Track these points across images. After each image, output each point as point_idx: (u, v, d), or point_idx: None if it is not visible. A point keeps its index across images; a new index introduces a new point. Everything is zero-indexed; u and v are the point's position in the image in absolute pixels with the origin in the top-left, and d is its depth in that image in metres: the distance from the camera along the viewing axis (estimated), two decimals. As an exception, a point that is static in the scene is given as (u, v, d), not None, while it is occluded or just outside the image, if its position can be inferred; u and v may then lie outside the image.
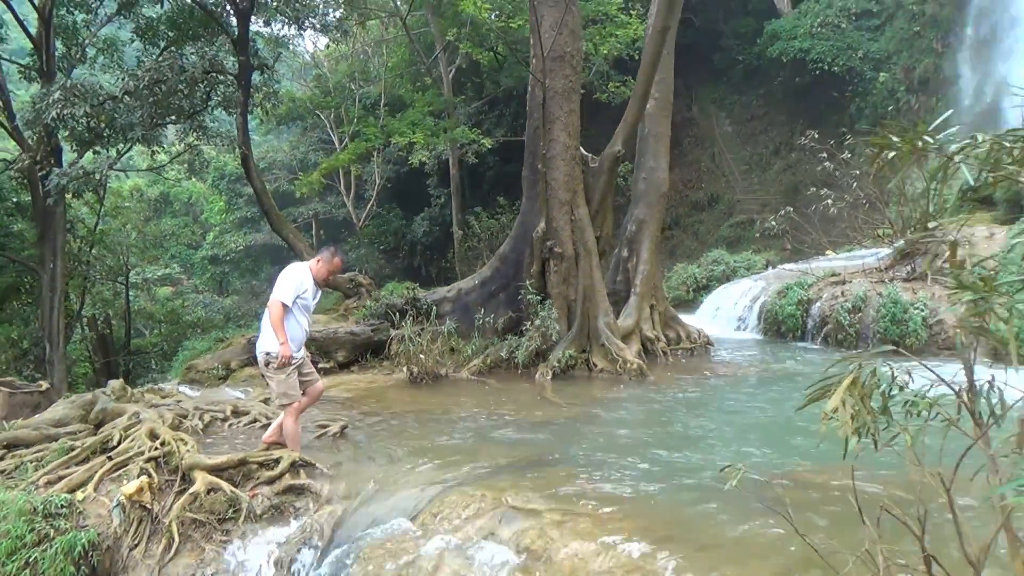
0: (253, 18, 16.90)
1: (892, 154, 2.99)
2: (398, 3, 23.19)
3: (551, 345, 9.38)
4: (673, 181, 25.14)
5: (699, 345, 10.62)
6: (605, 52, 20.64)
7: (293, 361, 5.76)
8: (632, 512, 4.61)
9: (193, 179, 30.59)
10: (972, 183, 2.84)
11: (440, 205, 25.59)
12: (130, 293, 23.24)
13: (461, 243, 21.38)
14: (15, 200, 18.36)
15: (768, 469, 5.20)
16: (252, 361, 9.64)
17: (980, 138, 2.56)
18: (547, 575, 4.13)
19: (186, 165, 28.03)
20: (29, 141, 15.97)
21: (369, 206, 25.62)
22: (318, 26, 18.26)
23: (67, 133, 16.08)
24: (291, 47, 25.95)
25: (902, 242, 10.72)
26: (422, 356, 8.95)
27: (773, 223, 11.80)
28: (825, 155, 11.42)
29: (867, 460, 2.79)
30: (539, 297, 9.71)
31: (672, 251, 22.12)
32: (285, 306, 5.63)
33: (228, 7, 13.82)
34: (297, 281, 5.71)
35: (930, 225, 10.52)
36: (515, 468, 5.80)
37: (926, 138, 2.82)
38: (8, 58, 17.40)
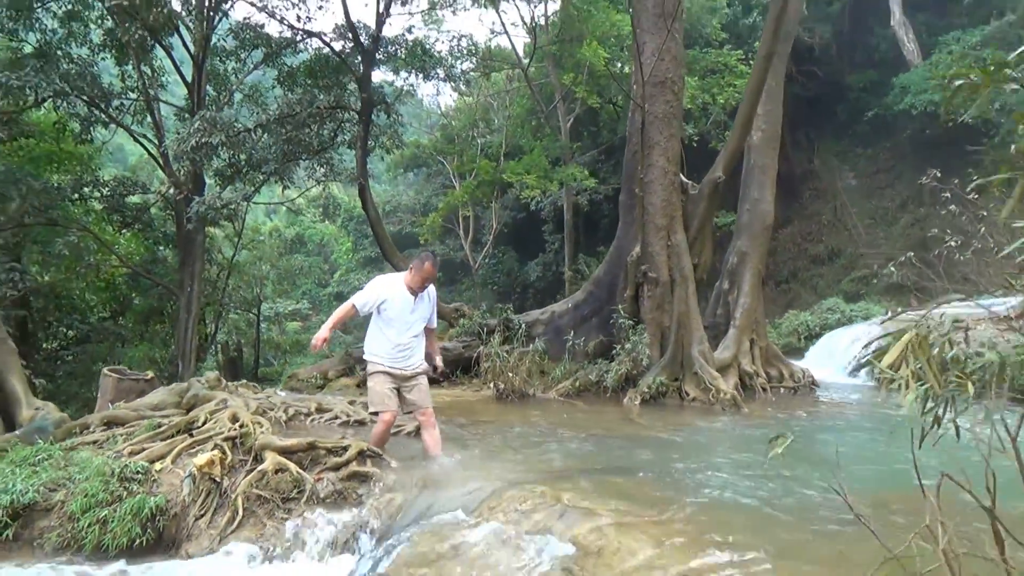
0: (383, 68, 17.99)
1: (960, 82, 2.77)
2: (521, 55, 23.96)
3: (642, 371, 9.13)
4: (792, 234, 24.48)
5: (803, 385, 10.05)
6: (723, 102, 20.43)
7: (375, 366, 5.77)
8: (694, 519, 4.48)
9: (326, 221, 32.42)
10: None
11: (554, 251, 25.81)
12: (262, 325, 24.58)
13: (571, 286, 21.42)
14: (163, 231, 19.99)
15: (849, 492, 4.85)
16: (348, 372, 9.96)
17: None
18: (595, 568, 4.01)
19: (321, 208, 29.89)
20: (179, 176, 17.37)
21: (485, 249, 26.21)
22: (442, 75, 19.17)
23: (211, 171, 17.53)
24: (418, 98, 27.32)
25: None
26: (510, 374, 8.94)
27: (892, 269, 11.09)
28: (948, 195, 10.69)
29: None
30: (631, 322, 9.52)
31: (789, 304, 21.19)
32: (356, 308, 5.65)
33: (356, 48, 14.70)
34: (376, 292, 5.69)
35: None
36: (582, 473, 5.73)
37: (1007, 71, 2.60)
38: (165, 100, 19.12)
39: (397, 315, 5.71)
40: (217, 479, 5.53)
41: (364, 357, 5.85)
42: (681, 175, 9.95)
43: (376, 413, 5.92)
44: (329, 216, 32.35)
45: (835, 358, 12.25)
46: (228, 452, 5.81)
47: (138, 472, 5.45)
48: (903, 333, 2.95)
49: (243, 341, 24.23)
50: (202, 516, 5.36)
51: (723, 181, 9.64)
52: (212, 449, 5.73)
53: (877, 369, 2.82)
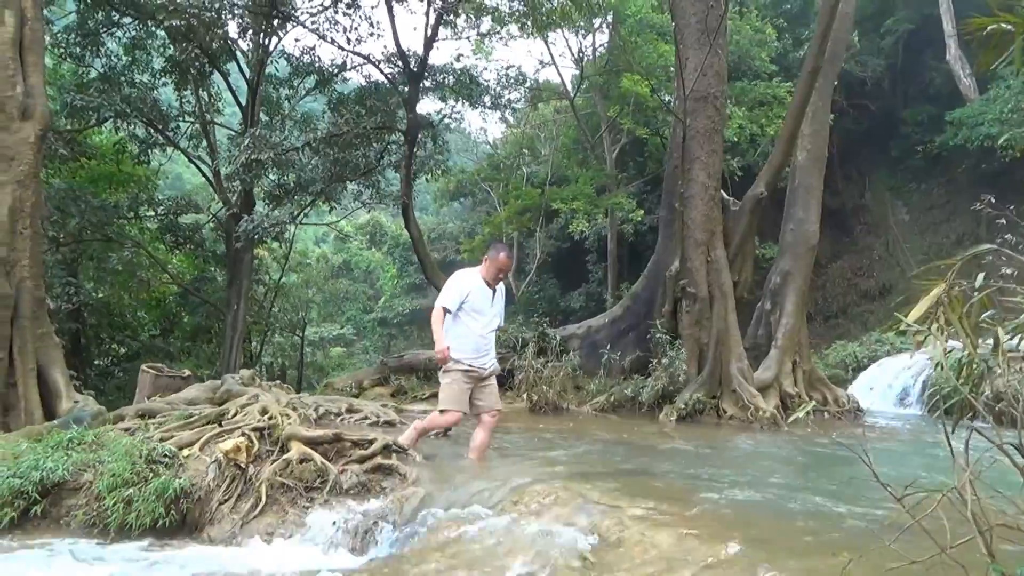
0: (432, 96, 18.32)
1: (989, 28, 2.66)
2: (568, 86, 24.16)
3: (679, 387, 8.94)
4: (842, 268, 23.95)
5: (847, 411, 9.72)
6: (772, 133, 20.20)
7: (455, 365, 5.57)
8: (718, 517, 4.38)
9: (373, 248, 32.88)
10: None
11: (598, 281, 25.67)
12: (308, 349, 24.83)
13: (612, 314, 21.26)
14: (213, 251, 20.47)
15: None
16: (383, 381, 9.98)
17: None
18: (616, 557, 3.95)
19: (368, 236, 30.33)
20: (230, 195, 17.81)
21: (529, 277, 26.24)
22: (488, 103, 19.45)
23: (261, 192, 17.95)
24: (466, 131, 27.74)
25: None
26: (544, 387, 8.85)
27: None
28: (1004, 222, 10.36)
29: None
30: (669, 338, 9.36)
31: (838, 339, 20.67)
32: (447, 311, 5.53)
33: (401, 69, 15.00)
34: (458, 287, 5.56)
35: None
36: (608, 475, 5.64)
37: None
38: (221, 124, 19.73)
39: (479, 307, 5.56)
40: (243, 465, 5.54)
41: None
42: (722, 191, 9.83)
43: (441, 411, 5.74)
44: (376, 243, 32.80)
45: (883, 387, 11.82)
46: (255, 441, 5.82)
47: (165, 455, 5.49)
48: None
49: (287, 363, 24.53)
50: (226, 501, 5.37)
51: (765, 197, 9.49)
52: (239, 437, 5.76)
53: (926, 401, 2.66)
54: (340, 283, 26.66)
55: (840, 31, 10.62)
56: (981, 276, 2.70)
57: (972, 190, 21.43)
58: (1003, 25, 2.69)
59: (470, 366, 5.58)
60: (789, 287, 10.24)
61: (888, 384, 11.73)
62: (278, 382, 8.89)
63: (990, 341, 2.65)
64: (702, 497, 4.85)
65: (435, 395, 9.69)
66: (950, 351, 2.61)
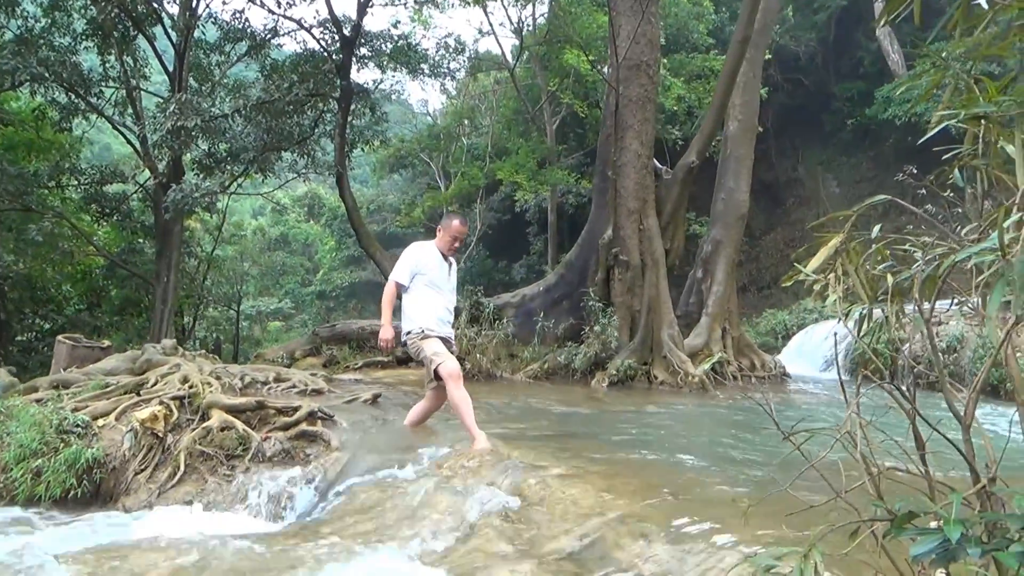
0: (371, 65, 17.92)
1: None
2: (508, 56, 23.97)
3: (611, 354, 9.04)
4: (775, 240, 24.50)
5: (774, 375, 9.97)
6: (709, 103, 20.40)
7: (430, 332, 5.22)
8: (639, 472, 4.46)
9: (311, 221, 32.30)
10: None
11: (538, 253, 25.74)
12: (245, 323, 24.28)
13: (553, 287, 21.35)
14: (141, 221, 19.79)
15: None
16: (315, 351, 9.83)
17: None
18: (537, 514, 4.00)
19: (306, 208, 29.74)
20: (157, 163, 17.19)
21: (469, 250, 26.11)
22: (427, 71, 19.14)
23: (191, 162, 17.38)
24: (406, 102, 27.31)
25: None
26: (478, 355, 8.83)
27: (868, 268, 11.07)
28: (924, 192, 10.71)
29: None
30: (602, 305, 9.42)
31: (770, 308, 21.21)
32: (401, 285, 5.28)
33: (335, 35, 14.64)
34: (413, 260, 5.30)
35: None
36: (536, 439, 5.67)
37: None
38: (146, 90, 18.99)
39: (437, 278, 5.31)
40: (160, 434, 5.40)
41: (412, 331, 5.25)
42: (655, 160, 9.89)
43: (437, 378, 5.26)
44: (314, 215, 32.25)
45: (810, 353, 12.18)
46: (175, 410, 5.68)
47: (77, 425, 5.30)
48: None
49: (222, 338, 24.01)
50: (142, 471, 5.23)
51: (697, 166, 9.59)
52: (157, 406, 5.60)
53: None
54: (277, 256, 26.14)
55: (771, 1, 10.75)
56: (877, 228, 2.74)
57: (898, 163, 22.04)
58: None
59: (440, 334, 5.29)
60: (720, 255, 10.41)
61: (814, 350, 12.08)
62: (202, 352, 8.66)
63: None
64: (624, 456, 4.95)
65: (368, 364, 9.66)
66: (850, 305, 2.63)
